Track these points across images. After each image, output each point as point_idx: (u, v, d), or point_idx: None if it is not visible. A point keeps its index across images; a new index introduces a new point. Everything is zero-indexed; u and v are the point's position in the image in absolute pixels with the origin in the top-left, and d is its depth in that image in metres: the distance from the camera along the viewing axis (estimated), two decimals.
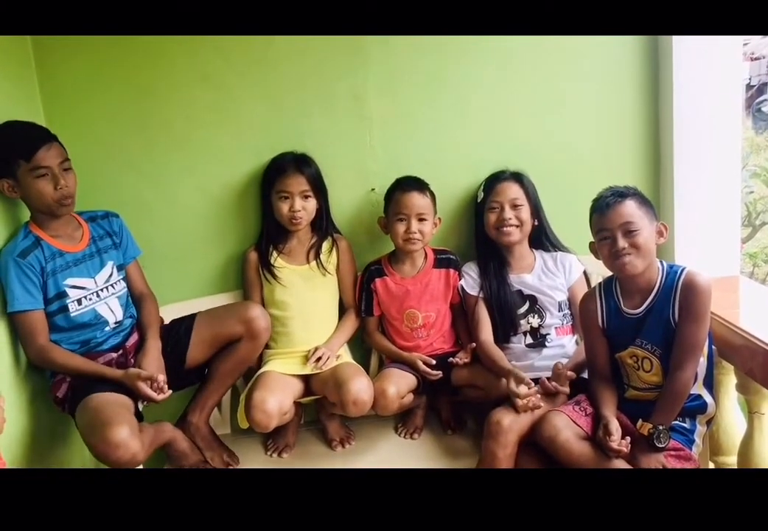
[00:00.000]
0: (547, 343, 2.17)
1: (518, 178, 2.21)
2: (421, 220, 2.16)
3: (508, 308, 2.17)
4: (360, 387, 2.00)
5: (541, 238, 2.26)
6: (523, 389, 1.89)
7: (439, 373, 2.16)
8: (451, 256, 2.27)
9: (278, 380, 2.09)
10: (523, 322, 2.18)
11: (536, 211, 2.22)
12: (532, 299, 2.19)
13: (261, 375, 2.11)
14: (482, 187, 2.25)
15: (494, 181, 2.22)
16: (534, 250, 2.25)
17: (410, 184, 2.19)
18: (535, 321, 2.17)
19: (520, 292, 2.19)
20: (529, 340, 2.18)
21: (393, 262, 2.27)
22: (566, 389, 1.94)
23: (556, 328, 2.18)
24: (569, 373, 1.93)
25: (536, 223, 2.22)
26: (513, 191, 2.18)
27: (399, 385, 2.10)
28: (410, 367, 2.18)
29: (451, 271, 2.24)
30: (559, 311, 2.18)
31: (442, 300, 2.25)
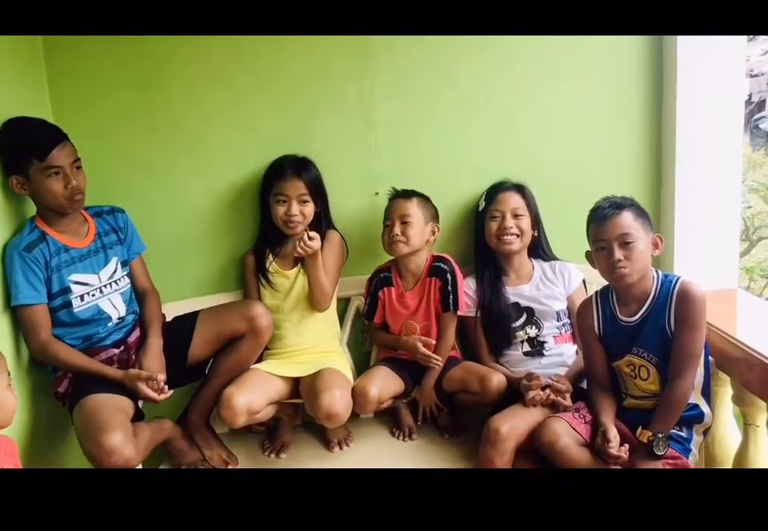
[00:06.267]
0: (545, 352, 2.18)
1: (520, 188, 2.23)
2: (404, 223, 2.16)
3: (502, 321, 2.18)
4: (331, 401, 1.97)
5: (538, 249, 2.27)
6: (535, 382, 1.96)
7: (439, 359, 2.15)
8: (442, 265, 2.22)
9: (257, 379, 2.07)
10: (520, 333, 2.19)
11: (536, 222, 2.24)
12: (529, 311, 2.19)
13: (245, 372, 2.09)
14: (483, 197, 2.26)
15: (496, 190, 2.24)
16: (533, 259, 2.27)
17: (397, 193, 2.22)
18: (532, 331, 2.19)
19: (516, 304, 2.20)
20: (527, 348, 2.19)
21: (399, 271, 2.28)
22: (567, 402, 1.96)
23: (554, 336, 2.19)
24: (567, 386, 1.97)
25: (536, 234, 2.24)
26: (514, 201, 2.20)
27: (382, 388, 2.10)
28: (411, 351, 2.18)
29: (440, 282, 2.21)
30: (557, 320, 2.19)
31: (435, 308, 2.24)
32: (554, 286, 2.21)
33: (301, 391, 2.13)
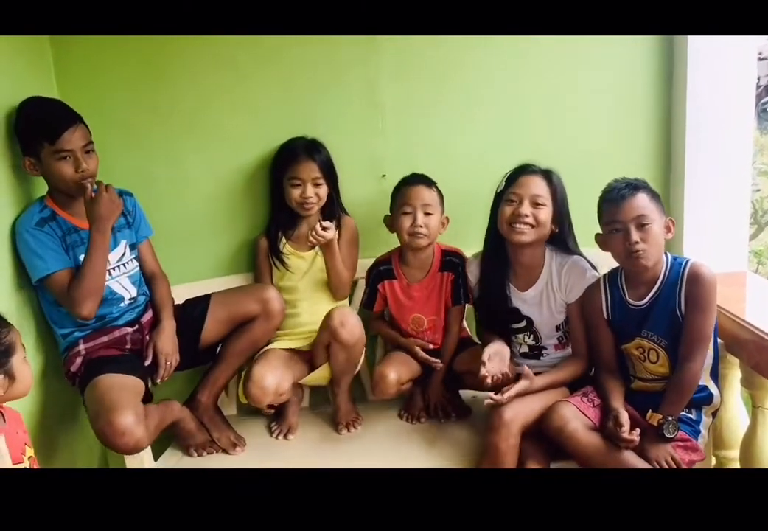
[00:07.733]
0: (542, 358, 2.11)
1: (547, 174, 1.99)
2: (427, 213, 2.09)
3: (500, 323, 2.10)
4: (341, 311, 2.06)
5: (560, 244, 2.05)
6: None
7: (438, 362, 2.16)
8: (455, 260, 2.18)
9: (281, 357, 2.12)
10: (519, 336, 2.10)
11: (560, 215, 1.99)
12: (529, 320, 2.08)
13: (265, 351, 2.13)
14: (505, 177, 2.04)
15: (520, 172, 2.01)
16: (547, 254, 2.04)
17: (417, 178, 2.15)
18: (530, 340, 2.10)
19: (517, 310, 2.07)
20: (525, 349, 2.12)
21: (402, 263, 2.22)
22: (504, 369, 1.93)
23: (554, 345, 2.10)
24: (526, 370, 1.93)
25: (555, 229, 2.00)
26: (537, 186, 1.96)
27: (401, 371, 2.12)
28: (409, 353, 2.19)
29: (453, 275, 2.18)
30: (557, 331, 2.08)
31: (446, 301, 2.22)
32: (558, 297, 2.03)
33: (314, 350, 2.15)
